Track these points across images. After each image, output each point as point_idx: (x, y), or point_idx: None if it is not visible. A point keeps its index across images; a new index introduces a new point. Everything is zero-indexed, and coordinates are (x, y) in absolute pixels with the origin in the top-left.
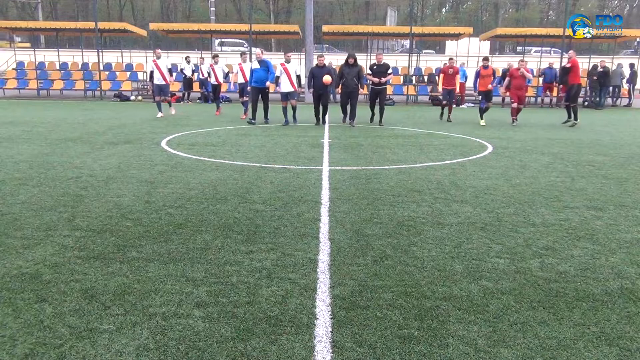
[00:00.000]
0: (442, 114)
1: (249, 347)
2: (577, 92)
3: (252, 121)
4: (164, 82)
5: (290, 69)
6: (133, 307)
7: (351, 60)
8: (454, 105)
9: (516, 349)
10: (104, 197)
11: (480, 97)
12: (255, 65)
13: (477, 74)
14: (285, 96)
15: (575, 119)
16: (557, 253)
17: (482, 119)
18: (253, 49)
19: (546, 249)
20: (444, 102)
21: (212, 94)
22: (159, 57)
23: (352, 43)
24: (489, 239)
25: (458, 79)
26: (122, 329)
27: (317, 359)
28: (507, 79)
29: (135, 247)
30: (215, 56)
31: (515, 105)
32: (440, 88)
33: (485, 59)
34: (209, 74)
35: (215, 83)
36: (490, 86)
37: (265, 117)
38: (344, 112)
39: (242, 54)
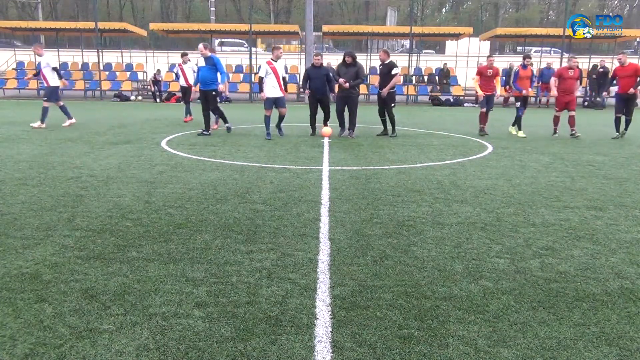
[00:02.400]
0: (482, 129)
1: (249, 347)
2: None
3: (205, 132)
4: (45, 85)
5: (279, 69)
6: (133, 307)
7: (349, 59)
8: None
9: (516, 349)
10: (104, 197)
11: (519, 103)
12: (201, 62)
13: (516, 75)
14: (271, 103)
15: (627, 129)
16: (557, 253)
17: (520, 129)
18: (201, 44)
19: (546, 249)
20: (483, 109)
21: (182, 97)
22: (40, 55)
23: (352, 43)
24: (489, 239)
25: (498, 82)
26: (122, 329)
27: (317, 359)
28: (553, 79)
29: (135, 247)
30: (183, 55)
31: (558, 113)
32: (479, 92)
33: (527, 56)
34: (177, 75)
35: (185, 85)
36: (525, 90)
37: (206, 128)
38: (341, 122)
39: (183, 54)
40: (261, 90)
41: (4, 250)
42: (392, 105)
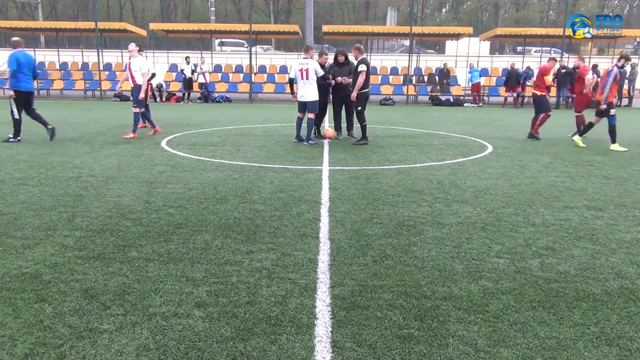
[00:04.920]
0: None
1: (249, 347)
2: None
3: (11, 139)
4: None
5: (310, 70)
6: (133, 307)
7: (341, 58)
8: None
9: (516, 349)
10: (104, 197)
11: (614, 110)
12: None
13: (615, 77)
14: (302, 106)
15: None
16: (557, 253)
17: (614, 142)
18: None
19: (546, 249)
20: (549, 112)
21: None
22: None
23: (352, 43)
24: (489, 239)
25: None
26: (122, 329)
27: (317, 359)
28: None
29: (135, 247)
30: (139, 50)
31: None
32: (538, 92)
33: (626, 57)
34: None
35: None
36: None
37: (14, 134)
38: (338, 125)
39: (140, 49)
40: (291, 92)
41: (4, 250)
42: (359, 108)
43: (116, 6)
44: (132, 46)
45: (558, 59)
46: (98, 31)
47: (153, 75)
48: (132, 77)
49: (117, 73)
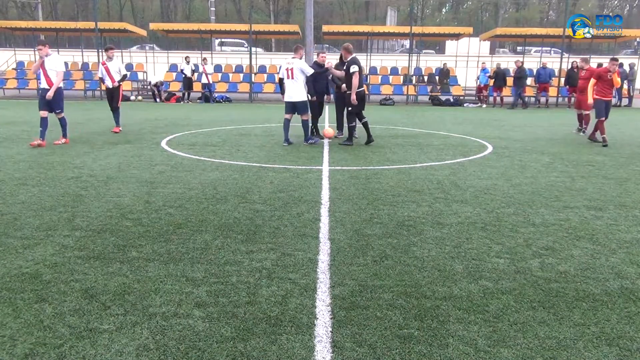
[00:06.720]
0: (604, 139)
1: (249, 347)
2: None
3: None
4: None
5: (295, 70)
6: (133, 307)
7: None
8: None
9: (516, 349)
10: (104, 197)
11: None
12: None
13: None
14: (290, 107)
15: None
16: (557, 253)
17: None
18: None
19: (546, 249)
20: (603, 118)
21: (109, 102)
22: None
23: (352, 43)
24: (489, 239)
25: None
26: (122, 329)
27: (317, 359)
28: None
29: (135, 247)
30: (108, 49)
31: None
32: (590, 101)
33: None
34: (101, 79)
35: (110, 86)
36: None
37: None
38: (340, 124)
39: (107, 48)
40: (282, 92)
41: (4, 250)
42: (349, 108)
43: (116, 6)
44: (43, 47)
45: (581, 62)
46: (98, 31)
47: (124, 76)
48: (47, 78)
49: None
